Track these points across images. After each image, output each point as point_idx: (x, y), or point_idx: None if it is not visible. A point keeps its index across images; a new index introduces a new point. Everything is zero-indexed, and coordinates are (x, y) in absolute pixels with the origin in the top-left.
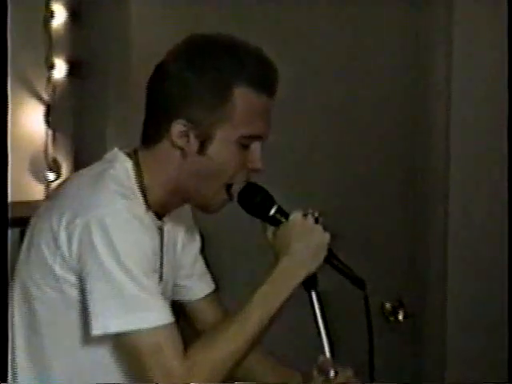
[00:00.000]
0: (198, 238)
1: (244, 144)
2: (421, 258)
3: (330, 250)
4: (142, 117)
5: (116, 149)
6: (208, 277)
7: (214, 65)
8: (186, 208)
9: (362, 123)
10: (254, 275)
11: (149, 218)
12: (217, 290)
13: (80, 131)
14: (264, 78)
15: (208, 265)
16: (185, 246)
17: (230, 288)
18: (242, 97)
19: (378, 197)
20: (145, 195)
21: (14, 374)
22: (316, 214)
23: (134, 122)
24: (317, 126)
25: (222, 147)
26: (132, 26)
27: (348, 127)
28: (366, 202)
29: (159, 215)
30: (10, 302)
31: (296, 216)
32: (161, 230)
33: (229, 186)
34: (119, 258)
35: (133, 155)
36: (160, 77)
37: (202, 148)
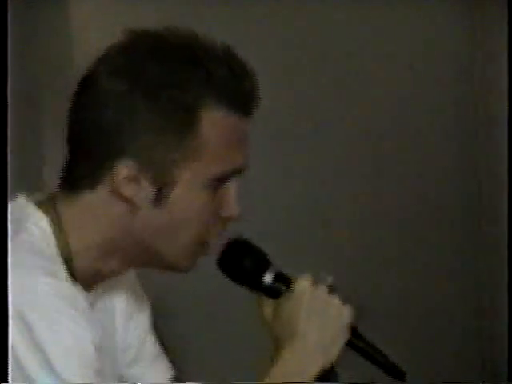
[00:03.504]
0: (146, 308)
1: (214, 186)
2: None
3: (353, 330)
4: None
5: (22, 198)
6: (163, 360)
7: (170, 78)
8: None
9: (402, 151)
10: (226, 354)
11: (80, 298)
12: (176, 376)
13: None
14: (239, 91)
15: (162, 343)
16: (127, 321)
17: (194, 373)
18: (213, 121)
19: (426, 253)
20: (69, 262)
21: None
22: (330, 281)
23: None
24: (337, 156)
25: (187, 194)
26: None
27: (381, 160)
28: (402, 261)
29: (87, 286)
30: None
31: (303, 284)
32: (93, 305)
33: (201, 244)
34: (49, 363)
35: (50, 207)
36: (92, 99)
37: (160, 197)
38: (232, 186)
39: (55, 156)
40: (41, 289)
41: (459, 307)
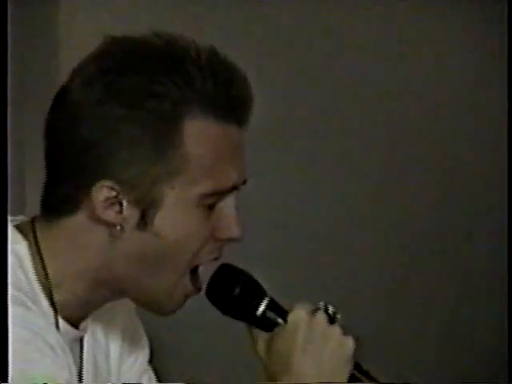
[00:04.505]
0: (145, 343)
1: (209, 204)
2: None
3: (356, 365)
4: None
5: None
6: None
7: (147, 86)
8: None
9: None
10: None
11: (54, 333)
12: None
13: None
14: (226, 97)
15: (160, 381)
16: (124, 358)
17: None
18: (197, 132)
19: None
20: (50, 293)
21: None
22: (331, 309)
23: None
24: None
25: (176, 215)
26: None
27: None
28: (414, 288)
29: (76, 319)
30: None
31: (299, 314)
32: (81, 341)
33: (193, 271)
34: None
35: (29, 231)
36: (66, 113)
37: (144, 220)
38: (230, 204)
39: (39, 170)
40: (9, 319)
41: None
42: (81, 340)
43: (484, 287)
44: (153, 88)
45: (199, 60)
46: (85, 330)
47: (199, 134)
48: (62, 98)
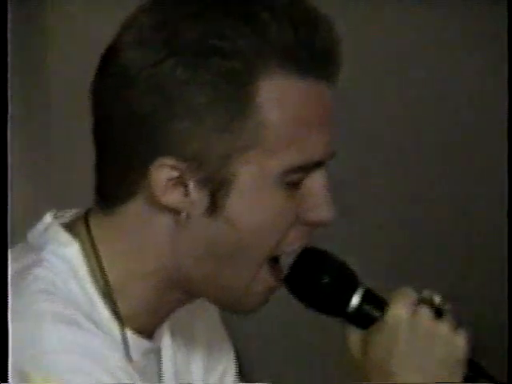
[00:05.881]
0: (231, 354)
1: (293, 182)
2: None
3: (471, 363)
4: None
5: (49, 217)
6: None
7: (212, 41)
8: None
9: None
10: None
11: (120, 354)
12: None
13: None
14: (310, 45)
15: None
16: (209, 370)
17: None
18: (277, 92)
19: None
20: (112, 302)
21: None
22: (438, 301)
23: None
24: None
25: (251, 197)
26: None
27: None
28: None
29: (147, 329)
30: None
31: (400, 307)
32: (157, 352)
33: (274, 260)
34: None
35: (81, 228)
36: (114, 78)
37: (214, 204)
38: (319, 180)
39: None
40: (61, 347)
41: None
42: (158, 351)
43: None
44: (218, 42)
45: (273, 3)
46: (160, 340)
47: (279, 95)
48: (109, 61)
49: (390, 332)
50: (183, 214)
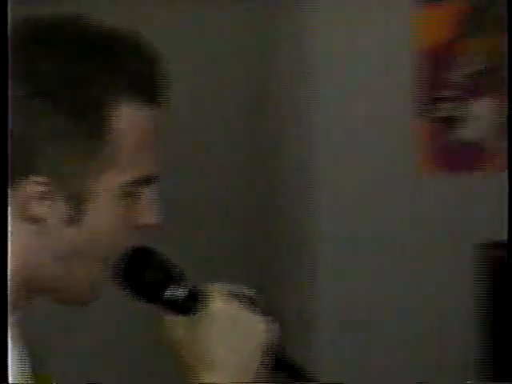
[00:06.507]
0: None
1: (129, 192)
2: None
3: (276, 351)
4: None
5: None
6: None
7: (69, 73)
8: None
9: None
10: None
11: None
12: None
13: None
14: (151, 80)
15: None
16: None
17: None
18: (129, 116)
19: None
20: None
21: None
22: (247, 292)
23: None
24: None
25: (103, 208)
26: None
27: None
28: None
29: None
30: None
31: (215, 299)
32: None
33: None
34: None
35: None
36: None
37: (77, 215)
38: (147, 191)
39: None
40: None
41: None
42: None
43: None
44: (75, 75)
45: (125, 37)
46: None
47: (131, 118)
48: None
49: (208, 321)
50: (45, 223)
